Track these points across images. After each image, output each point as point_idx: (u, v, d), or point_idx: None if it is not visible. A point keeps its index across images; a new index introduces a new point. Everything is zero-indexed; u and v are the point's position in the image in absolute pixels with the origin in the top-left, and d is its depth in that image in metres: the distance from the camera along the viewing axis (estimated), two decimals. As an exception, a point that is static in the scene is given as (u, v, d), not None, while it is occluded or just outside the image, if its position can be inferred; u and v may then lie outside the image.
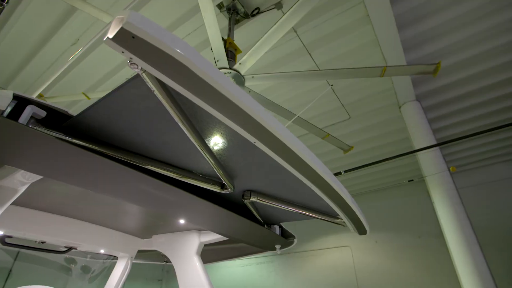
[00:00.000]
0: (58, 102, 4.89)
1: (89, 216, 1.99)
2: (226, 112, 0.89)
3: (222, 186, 1.40)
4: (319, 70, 4.64)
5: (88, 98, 3.84)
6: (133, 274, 2.41)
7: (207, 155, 1.17)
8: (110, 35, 0.67)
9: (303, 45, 4.47)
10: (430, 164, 4.91)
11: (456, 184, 4.69)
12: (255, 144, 1.02)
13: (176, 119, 0.97)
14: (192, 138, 1.06)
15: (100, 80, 5.15)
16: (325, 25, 4.18)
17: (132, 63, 0.75)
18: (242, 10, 3.86)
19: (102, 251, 2.29)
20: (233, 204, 1.69)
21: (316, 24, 4.17)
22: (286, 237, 2.13)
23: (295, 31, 4.26)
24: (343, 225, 1.83)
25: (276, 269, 9.28)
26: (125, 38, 0.68)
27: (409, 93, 5.17)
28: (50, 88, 5.26)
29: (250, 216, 1.79)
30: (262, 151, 1.08)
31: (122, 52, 0.71)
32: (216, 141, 1.16)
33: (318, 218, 1.75)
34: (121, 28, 0.66)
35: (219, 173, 1.28)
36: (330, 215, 1.77)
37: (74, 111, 1.02)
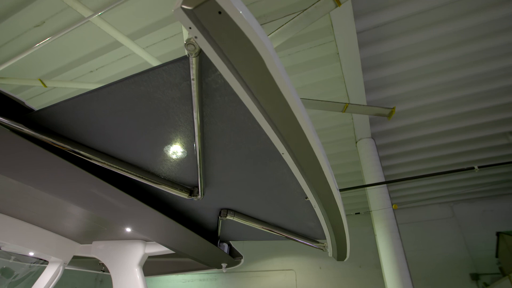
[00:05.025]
0: (8, 84, 4.48)
1: (22, 213, 1.80)
2: (274, 117, 0.83)
3: (191, 192, 1.34)
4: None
5: (45, 86, 3.57)
6: (59, 281, 2.19)
7: (199, 159, 1.10)
8: (190, 5, 0.58)
9: (276, 70, 4.64)
10: (377, 199, 5.26)
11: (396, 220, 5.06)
12: (282, 155, 0.97)
13: (195, 114, 0.90)
14: (198, 139, 1.00)
15: (58, 70, 4.83)
16: (298, 55, 4.41)
17: (189, 43, 0.67)
18: (222, 26, 3.94)
19: (31, 254, 2.08)
20: (187, 214, 1.66)
21: (290, 52, 4.38)
22: (233, 256, 2.12)
23: (270, 56, 4.42)
24: (322, 249, 1.84)
25: (219, 287, 9.04)
26: (207, 12, 0.59)
27: (366, 131, 5.57)
28: None
29: (201, 231, 1.77)
30: (267, 167, 1.04)
31: (190, 28, 0.62)
32: (219, 147, 1.08)
33: (295, 240, 1.74)
34: (211, 0, 0.57)
35: (200, 179, 1.22)
36: (310, 237, 1.75)
37: (22, 96, 0.95)
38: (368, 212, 5.51)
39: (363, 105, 4.52)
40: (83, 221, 1.90)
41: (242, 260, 2.17)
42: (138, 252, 2.04)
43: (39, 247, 1.97)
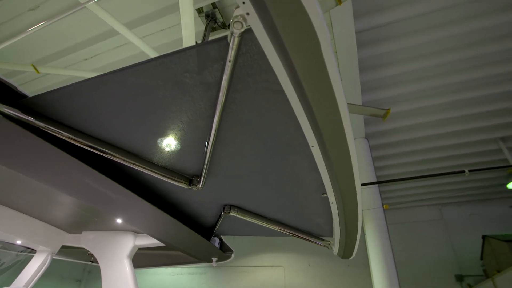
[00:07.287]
0: (-1, 68, 4.37)
1: (11, 200, 1.77)
2: (316, 107, 0.76)
3: (190, 182, 1.29)
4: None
5: (37, 71, 3.49)
6: (46, 271, 2.16)
7: (210, 149, 1.05)
8: None
9: (273, 66, 4.62)
10: (368, 199, 5.31)
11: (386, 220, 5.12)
12: (312, 148, 0.91)
13: (221, 99, 0.83)
14: (215, 126, 0.94)
15: (52, 56, 4.71)
16: (297, 52, 4.39)
17: (237, 21, 0.61)
18: (221, 19, 3.89)
19: (18, 242, 2.04)
20: (183, 208, 1.65)
21: (288, 49, 4.36)
22: (224, 251, 2.12)
23: (268, 52, 4.39)
24: (327, 247, 1.81)
25: (208, 281, 9.06)
26: None
27: (360, 131, 5.60)
28: (-8, 50, 4.68)
29: (195, 225, 1.76)
30: (286, 161, 0.99)
31: (243, 3, 0.56)
32: (238, 138, 1.02)
33: (298, 237, 1.71)
34: None
35: (205, 168, 1.17)
36: (315, 235, 1.73)
37: (14, 81, 0.92)
38: (358, 212, 5.56)
39: (359, 105, 4.54)
40: (73, 211, 1.87)
41: (233, 255, 2.17)
42: (128, 243, 2.02)
43: (27, 236, 1.94)
